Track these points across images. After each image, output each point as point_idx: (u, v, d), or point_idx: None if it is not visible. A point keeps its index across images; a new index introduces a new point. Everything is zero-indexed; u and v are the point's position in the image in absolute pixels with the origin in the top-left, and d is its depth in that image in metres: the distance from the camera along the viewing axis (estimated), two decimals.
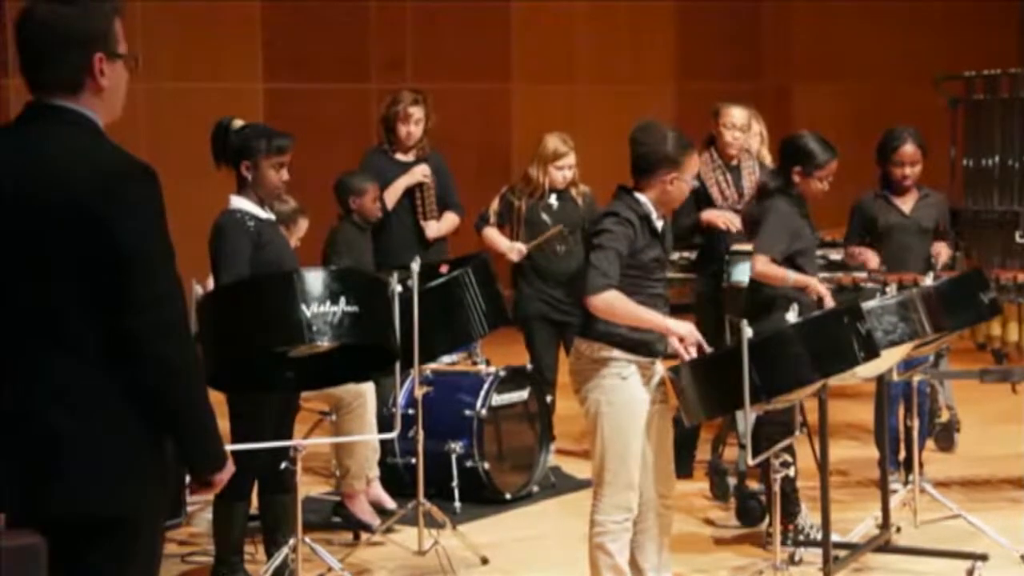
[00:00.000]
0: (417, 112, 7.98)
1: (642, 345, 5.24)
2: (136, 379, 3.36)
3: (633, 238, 5.23)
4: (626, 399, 5.25)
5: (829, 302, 6.20)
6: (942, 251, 7.27)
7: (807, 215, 6.44)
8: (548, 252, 7.96)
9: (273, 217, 6.00)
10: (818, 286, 6.27)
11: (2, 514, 3.40)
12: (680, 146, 5.34)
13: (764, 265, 6.32)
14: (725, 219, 7.68)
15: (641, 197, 5.31)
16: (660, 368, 5.33)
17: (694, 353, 5.18)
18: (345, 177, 7.74)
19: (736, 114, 7.90)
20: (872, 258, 7.14)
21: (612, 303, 5.15)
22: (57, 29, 3.42)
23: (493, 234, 8.09)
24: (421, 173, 7.98)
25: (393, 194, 7.91)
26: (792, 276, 6.26)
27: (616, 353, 5.24)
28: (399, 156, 8.05)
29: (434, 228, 8.01)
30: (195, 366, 3.47)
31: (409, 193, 7.99)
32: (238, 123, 5.92)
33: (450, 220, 8.12)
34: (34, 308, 3.37)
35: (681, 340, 5.17)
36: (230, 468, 3.53)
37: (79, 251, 3.34)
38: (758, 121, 8.11)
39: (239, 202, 5.85)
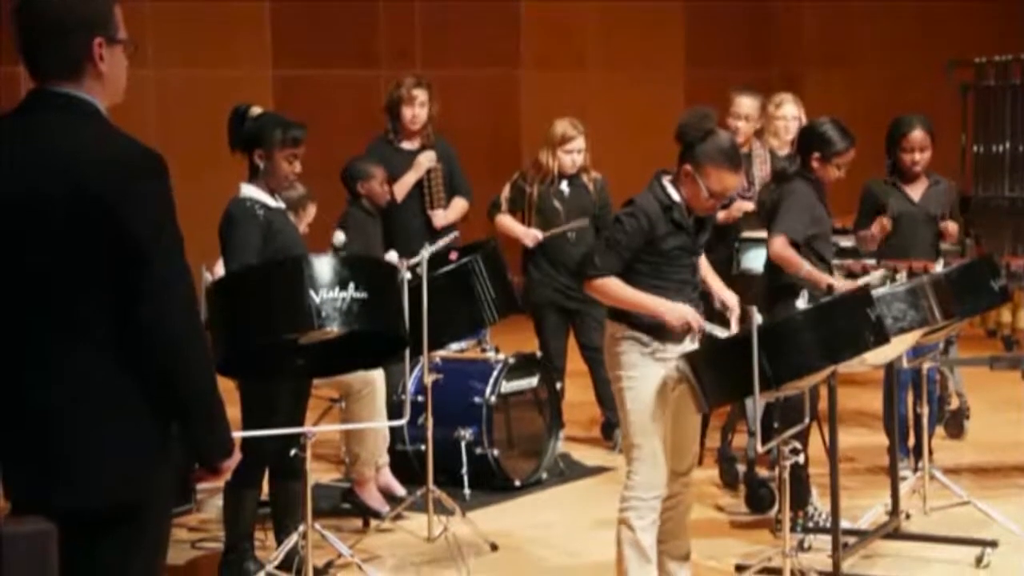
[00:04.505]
0: (421, 95, 7.94)
1: (657, 328, 5.22)
2: (145, 367, 3.34)
3: (647, 229, 5.20)
4: (646, 375, 5.23)
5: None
6: (951, 228, 7.21)
7: (824, 200, 6.44)
8: (559, 239, 7.96)
9: (283, 206, 5.99)
10: (831, 282, 6.21)
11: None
12: (711, 151, 5.16)
13: (783, 248, 6.28)
14: (738, 208, 7.66)
15: (669, 186, 5.27)
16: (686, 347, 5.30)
17: (696, 336, 5.19)
18: (351, 162, 7.74)
19: (745, 103, 7.90)
20: (882, 224, 7.07)
21: (601, 290, 5.25)
22: (57, 13, 3.39)
23: (507, 220, 8.08)
24: (428, 161, 7.96)
25: (402, 188, 7.89)
26: (806, 267, 6.23)
27: (635, 333, 5.25)
28: (404, 145, 8.02)
29: (441, 216, 7.98)
30: (205, 353, 3.45)
31: (416, 181, 7.98)
32: (256, 110, 5.90)
33: (459, 206, 8.10)
34: (41, 298, 3.35)
35: (685, 324, 5.18)
36: (237, 455, 3.53)
37: (88, 240, 3.31)
38: (797, 105, 8.05)
39: (249, 190, 5.84)
